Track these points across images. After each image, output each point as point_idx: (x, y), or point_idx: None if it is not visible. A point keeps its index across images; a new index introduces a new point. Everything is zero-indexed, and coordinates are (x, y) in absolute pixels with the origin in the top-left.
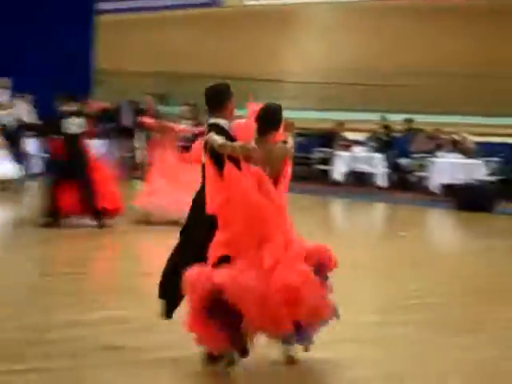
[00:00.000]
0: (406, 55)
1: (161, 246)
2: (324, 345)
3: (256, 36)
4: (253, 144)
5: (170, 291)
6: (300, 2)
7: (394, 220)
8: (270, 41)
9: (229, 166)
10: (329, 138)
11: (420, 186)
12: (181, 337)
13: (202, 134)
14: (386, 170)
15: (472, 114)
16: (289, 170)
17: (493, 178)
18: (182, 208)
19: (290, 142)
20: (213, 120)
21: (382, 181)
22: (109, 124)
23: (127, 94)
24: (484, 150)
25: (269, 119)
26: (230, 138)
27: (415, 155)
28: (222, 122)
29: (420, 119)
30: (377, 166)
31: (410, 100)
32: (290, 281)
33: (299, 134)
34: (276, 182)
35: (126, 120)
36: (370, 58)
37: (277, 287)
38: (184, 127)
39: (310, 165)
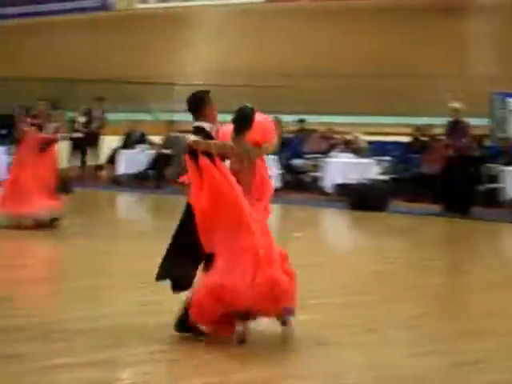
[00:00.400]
0: (300, 57)
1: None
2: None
3: (148, 39)
4: (230, 143)
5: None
6: (192, 4)
7: (289, 221)
8: (163, 44)
9: (202, 159)
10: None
11: (314, 186)
12: (79, 344)
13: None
14: (280, 171)
15: (364, 114)
16: (266, 170)
17: (385, 177)
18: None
19: (275, 140)
20: (196, 123)
21: (275, 182)
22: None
23: (20, 100)
24: (376, 150)
25: (243, 120)
26: (211, 138)
27: (308, 155)
28: (205, 124)
29: (312, 120)
30: (270, 167)
31: (303, 101)
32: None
33: None
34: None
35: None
36: (263, 60)
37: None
38: (42, 135)
39: None
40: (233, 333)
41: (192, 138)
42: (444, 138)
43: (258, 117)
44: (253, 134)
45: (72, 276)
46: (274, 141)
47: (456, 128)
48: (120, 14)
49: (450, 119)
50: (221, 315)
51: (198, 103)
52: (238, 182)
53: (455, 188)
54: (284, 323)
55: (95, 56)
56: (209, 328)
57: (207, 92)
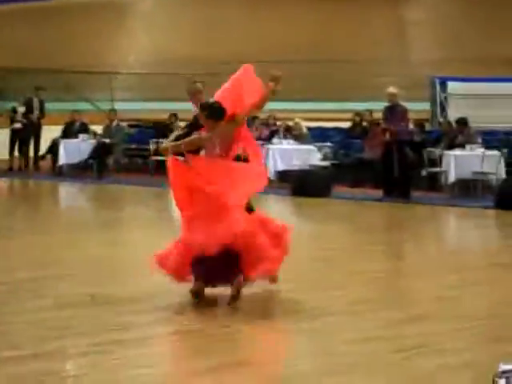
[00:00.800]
0: (240, 43)
1: None
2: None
3: (89, 28)
4: (196, 136)
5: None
6: None
7: None
8: (104, 33)
9: (169, 161)
10: (164, 129)
11: None
12: (22, 337)
13: None
14: None
15: (304, 100)
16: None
17: (326, 163)
18: None
19: (277, 87)
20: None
21: None
22: None
23: None
24: (317, 136)
25: (216, 116)
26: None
27: None
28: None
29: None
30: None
31: None
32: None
33: (133, 126)
34: (228, 152)
35: None
36: (205, 48)
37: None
38: None
39: (145, 157)
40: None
41: (163, 144)
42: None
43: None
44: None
45: (12, 268)
46: (248, 105)
47: (393, 112)
48: (59, 2)
49: (388, 104)
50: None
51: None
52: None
53: (394, 173)
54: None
55: (35, 45)
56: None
57: (198, 82)
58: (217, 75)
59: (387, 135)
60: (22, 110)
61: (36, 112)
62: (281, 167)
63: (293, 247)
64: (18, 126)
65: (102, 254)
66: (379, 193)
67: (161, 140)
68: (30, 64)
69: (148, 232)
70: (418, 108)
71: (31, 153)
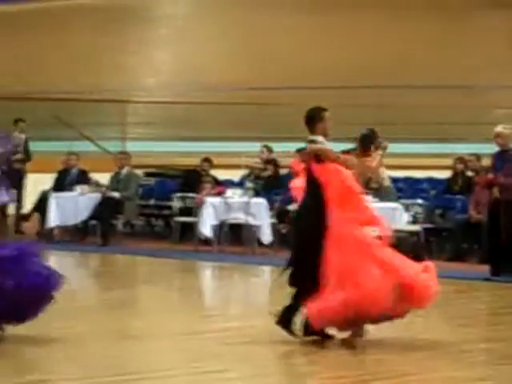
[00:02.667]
0: (295, 65)
1: None
2: None
3: (88, 40)
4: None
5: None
6: None
7: (284, 289)
8: (108, 47)
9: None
10: (194, 180)
11: None
12: None
13: None
14: (271, 220)
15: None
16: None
17: (417, 228)
18: None
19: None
20: (310, 137)
21: (265, 235)
22: None
23: None
24: (405, 190)
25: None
26: None
27: None
28: (319, 138)
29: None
30: (258, 215)
31: (295, 123)
32: None
33: (151, 174)
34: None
35: None
36: (247, 69)
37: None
38: None
39: (167, 217)
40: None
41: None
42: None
43: None
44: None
45: None
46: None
47: (505, 160)
48: (45, 5)
49: (498, 149)
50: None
51: (310, 119)
52: None
53: (502, 242)
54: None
55: (11, 64)
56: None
57: (323, 109)
58: (266, 107)
59: (495, 191)
60: None
61: (17, 154)
62: None
63: (371, 346)
64: None
65: (106, 352)
66: (487, 269)
67: (188, 194)
68: (6, 90)
69: (168, 321)
70: None
71: (11, 210)
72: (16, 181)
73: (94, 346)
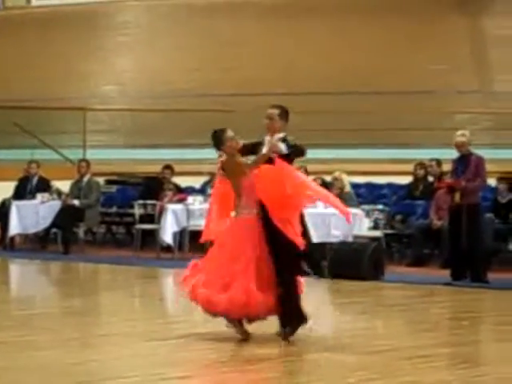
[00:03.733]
0: (265, 70)
1: None
2: None
3: (49, 48)
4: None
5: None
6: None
7: None
8: (69, 54)
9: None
10: (155, 187)
11: None
12: None
13: None
14: None
15: (348, 146)
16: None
17: (378, 234)
18: None
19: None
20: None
21: None
22: None
23: None
24: (365, 195)
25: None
26: None
27: None
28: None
29: None
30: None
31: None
32: None
33: (112, 182)
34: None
35: None
36: (210, 74)
37: None
38: None
39: (128, 224)
40: None
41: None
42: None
43: None
44: None
45: None
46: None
47: (465, 164)
48: (9, 13)
49: (457, 153)
50: None
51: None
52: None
53: (463, 247)
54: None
55: None
56: None
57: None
58: (232, 113)
59: (456, 196)
60: None
61: None
62: (315, 239)
63: (329, 349)
64: None
65: (66, 360)
66: (448, 274)
67: (149, 201)
68: None
69: (130, 329)
70: (506, 157)
71: None
72: None
73: (54, 353)
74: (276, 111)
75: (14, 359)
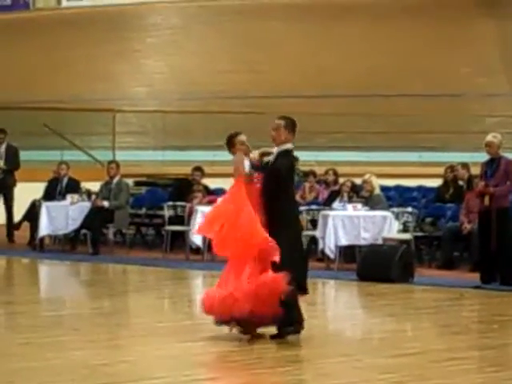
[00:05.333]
0: (291, 74)
1: None
2: None
3: (78, 50)
4: None
5: None
6: (141, 1)
7: None
8: (99, 56)
9: None
10: (184, 189)
11: (309, 249)
12: None
13: None
14: None
15: (377, 149)
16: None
17: (407, 236)
18: None
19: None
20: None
21: None
22: None
23: None
24: (395, 198)
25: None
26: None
27: (301, 208)
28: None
29: (306, 157)
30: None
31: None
32: None
33: (141, 184)
34: None
35: None
36: (240, 76)
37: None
38: None
39: (158, 226)
40: None
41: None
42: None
43: None
44: None
45: None
46: None
47: (494, 168)
48: (38, 15)
49: (487, 157)
50: None
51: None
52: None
53: (492, 250)
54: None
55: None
56: None
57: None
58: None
59: (486, 199)
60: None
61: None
62: (344, 241)
63: (358, 351)
64: None
65: (95, 361)
66: (477, 277)
67: (179, 203)
68: None
69: (159, 330)
70: None
71: (2, 220)
72: (3, 189)
73: (83, 354)
74: (282, 122)
75: (44, 360)
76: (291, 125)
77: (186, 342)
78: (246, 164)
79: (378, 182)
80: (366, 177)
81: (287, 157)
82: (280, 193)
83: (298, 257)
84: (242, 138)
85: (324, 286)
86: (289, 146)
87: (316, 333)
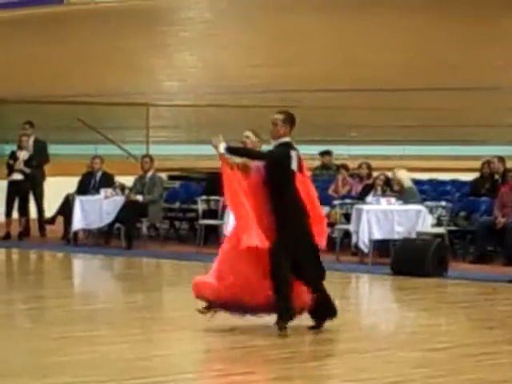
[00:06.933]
0: (321, 66)
1: None
2: None
3: (112, 44)
4: None
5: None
6: None
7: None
8: (132, 50)
9: None
10: (218, 183)
11: (343, 243)
12: None
13: None
14: None
15: (411, 142)
16: None
17: (441, 230)
18: None
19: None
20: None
21: None
22: None
23: None
24: (428, 192)
25: None
26: None
27: (335, 202)
28: None
29: (340, 152)
30: None
31: (324, 126)
32: None
33: (175, 178)
34: None
35: None
36: (273, 71)
37: None
38: None
39: (191, 220)
40: None
41: None
42: None
43: None
44: None
45: (9, 375)
46: None
47: None
48: (72, 8)
49: None
50: None
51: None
52: None
53: None
54: None
55: (33, 68)
56: None
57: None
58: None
59: None
60: (24, 155)
61: (37, 157)
62: (378, 235)
63: (391, 345)
64: (18, 177)
65: (130, 355)
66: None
67: (213, 197)
68: (24, 93)
69: (192, 325)
70: None
71: (33, 213)
72: (37, 184)
73: (117, 348)
74: (280, 117)
75: (78, 354)
76: (289, 119)
77: (220, 336)
78: (222, 146)
79: (407, 176)
80: (395, 171)
81: (284, 146)
82: (283, 183)
83: (305, 251)
84: (246, 132)
85: (358, 280)
86: (286, 139)
87: (350, 327)
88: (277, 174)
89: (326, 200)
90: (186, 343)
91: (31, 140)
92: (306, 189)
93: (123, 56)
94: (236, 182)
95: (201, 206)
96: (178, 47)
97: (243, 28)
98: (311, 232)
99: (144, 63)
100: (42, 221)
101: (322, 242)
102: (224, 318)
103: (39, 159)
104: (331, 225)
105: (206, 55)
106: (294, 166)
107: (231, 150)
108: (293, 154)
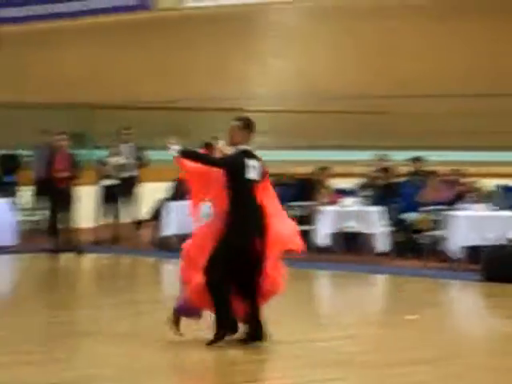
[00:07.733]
0: (412, 72)
1: None
2: None
3: (203, 50)
4: None
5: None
6: (261, 1)
7: (400, 297)
8: (223, 55)
9: None
10: (309, 188)
11: (434, 249)
12: None
13: None
14: (388, 228)
15: (504, 149)
16: None
17: None
18: None
19: None
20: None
21: (381, 244)
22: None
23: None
24: None
25: None
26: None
27: (426, 208)
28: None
29: (432, 158)
30: (374, 223)
31: (416, 132)
32: None
33: None
34: None
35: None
36: (359, 77)
37: None
38: None
39: None
40: None
41: None
42: None
43: None
44: None
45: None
46: None
47: None
48: (161, 14)
49: None
50: None
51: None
52: None
53: None
54: None
55: (122, 73)
56: None
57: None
58: (375, 115)
59: None
60: (116, 160)
61: (131, 163)
62: (469, 242)
63: (481, 353)
64: (111, 182)
65: (223, 359)
66: None
67: (304, 203)
68: (114, 99)
69: (282, 329)
70: None
71: (126, 218)
72: (130, 189)
73: (210, 353)
74: (236, 123)
75: (172, 358)
76: (247, 125)
77: (310, 342)
78: (176, 149)
79: (495, 182)
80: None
81: (240, 155)
82: (235, 193)
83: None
84: (219, 143)
85: (448, 286)
86: (244, 146)
87: (445, 335)
88: (230, 182)
89: (416, 206)
90: (274, 349)
91: (128, 145)
92: (271, 196)
93: (217, 62)
94: (197, 175)
95: (292, 212)
96: (271, 53)
97: (336, 34)
98: (257, 248)
99: (238, 69)
100: (137, 225)
101: (297, 246)
102: (318, 324)
103: (137, 164)
104: (420, 231)
105: (299, 61)
106: (253, 174)
107: (185, 154)
108: (250, 162)
